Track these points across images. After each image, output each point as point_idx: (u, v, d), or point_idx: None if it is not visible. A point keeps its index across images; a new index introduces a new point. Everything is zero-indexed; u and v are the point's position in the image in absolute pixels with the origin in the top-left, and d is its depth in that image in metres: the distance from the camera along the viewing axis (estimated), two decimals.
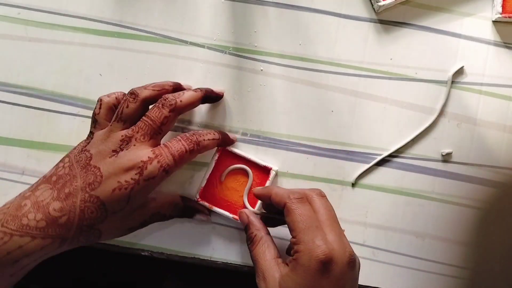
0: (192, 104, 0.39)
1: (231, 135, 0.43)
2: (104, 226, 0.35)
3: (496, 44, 0.44)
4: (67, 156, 0.37)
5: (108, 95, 0.39)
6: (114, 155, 0.36)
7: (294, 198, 0.35)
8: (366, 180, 0.44)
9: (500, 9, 0.43)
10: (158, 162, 0.35)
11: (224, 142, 0.42)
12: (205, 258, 0.43)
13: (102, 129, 0.38)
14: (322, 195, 0.36)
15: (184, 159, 0.37)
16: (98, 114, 0.39)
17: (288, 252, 0.40)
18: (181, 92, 0.39)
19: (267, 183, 0.42)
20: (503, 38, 0.44)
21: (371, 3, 0.43)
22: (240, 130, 0.44)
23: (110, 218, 0.35)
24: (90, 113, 0.43)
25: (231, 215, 0.42)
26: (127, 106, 0.37)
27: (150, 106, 0.38)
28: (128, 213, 0.36)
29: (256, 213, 0.40)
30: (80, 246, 0.36)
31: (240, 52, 0.44)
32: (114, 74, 0.44)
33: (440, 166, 0.44)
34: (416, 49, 0.44)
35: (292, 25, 0.44)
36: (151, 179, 0.35)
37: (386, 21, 0.44)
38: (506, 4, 0.43)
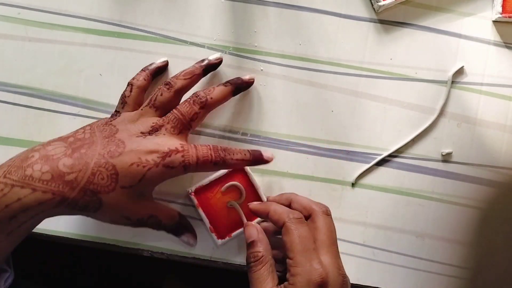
0: (223, 99, 0.40)
1: (266, 155, 0.40)
2: (107, 198, 0.34)
3: (496, 44, 0.44)
4: (88, 125, 0.37)
5: (136, 79, 0.40)
6: (142, 136, 0.36)
7: (294, 218, 0.36)
8: (366, 180, 0.44)
9: (500, 9, 0.43)
10: (183, 156, 0.36)
11: (256, 161, 0.39)
12: (205, 258, 0.43)
13: (130, 111, 0.39)
14: (327, 214, 0.37)
15: (206, 167, 0.37)
16: (128, 96, 0.39)
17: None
18: (211, 88, 0.40)
19: (257, 219, 0.41)
20: (503, 38, 0.44)
21: (371, 3, 0.43)
22: (240, 130, 0.44)
23: (116, 192, 0.34)
24: (90, 113, 0.44)
25: (208, 224, 0.42)
26: (161, 94, 0.38)
27: (182, 100, 0.39)
28: (133, 195, 0.35)
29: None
30: (74, 214, 0.35)
31: (240, 52, 0.44)
32: (114, 74, 0.44)
33: (440, 166, 0.44)
34: (416, 49, 0.44)
35: (292, 25, 0.44)
36: (169, 168, 0.35)
37: (386, 21, 0.44)
38: (506, 4, 0.43)
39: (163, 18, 0.44)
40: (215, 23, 0.44)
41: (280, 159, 0.43)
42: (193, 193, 0.42)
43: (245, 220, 0.41)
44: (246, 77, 0.42)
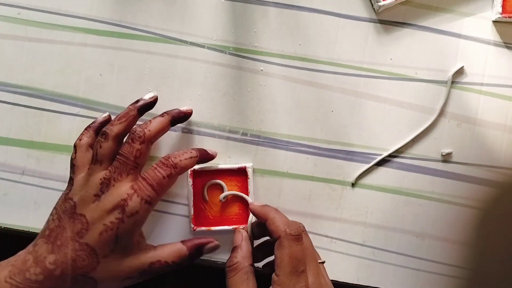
0: (162, 131, 0.39)
1: (210, 151, 0.41)
2: (98, 273, 0.35)
3: (496, 44, 0.44)
4: (54, 208, 0.38)
5: (79, 139, 0.40)
6: (96, 199, 0.36)
7: (291, 234, 0.34)
8: (366, 180, 0.44)
9: (500, 9, 0.43)
10: (138, 196, 0.35)
11: (204, 158, 0.40)
12: (205, 258, 0.43)
13: (81, 174, 0.38)
14: (304, 231, 0.36)
15: (164, 187, 0.36)
16: (74, 158, 0.39)
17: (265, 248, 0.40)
18: (148, 122, 0.39)
19: (249, 182, 0.42)
20: (503, 38, 0.44)
21: (371, 3, 0.43)
22: (240, 130, 0.44)
23: (102, 264, 0.35)
24: (90, 113, 0.44)
25: (231, 227, 0.42)
26: (100, 147, 0.37)
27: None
28: (120, 256, 0.36)
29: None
30: None
31: (240, 52, 0.44)
32: (114, 74, 0.44)
33: (440, 166, 0.44)
34: (416, 49, 0.44)
35: (292, 25, 0.44)
36: (135, 214, 0.35)
37: (386, 21, 0.44)
38: (506, 4, 0.43)
39: (163, 18, 0.44)
40: (215, 23, 0.44)
41: (280, 159, 0.43)
42: (195, 227, 0.42)
43: (244, 195, 0.42)
44: (184, 108, 0.42)
